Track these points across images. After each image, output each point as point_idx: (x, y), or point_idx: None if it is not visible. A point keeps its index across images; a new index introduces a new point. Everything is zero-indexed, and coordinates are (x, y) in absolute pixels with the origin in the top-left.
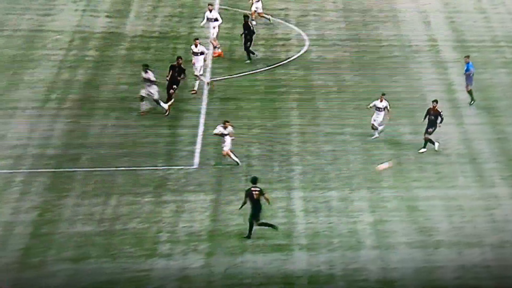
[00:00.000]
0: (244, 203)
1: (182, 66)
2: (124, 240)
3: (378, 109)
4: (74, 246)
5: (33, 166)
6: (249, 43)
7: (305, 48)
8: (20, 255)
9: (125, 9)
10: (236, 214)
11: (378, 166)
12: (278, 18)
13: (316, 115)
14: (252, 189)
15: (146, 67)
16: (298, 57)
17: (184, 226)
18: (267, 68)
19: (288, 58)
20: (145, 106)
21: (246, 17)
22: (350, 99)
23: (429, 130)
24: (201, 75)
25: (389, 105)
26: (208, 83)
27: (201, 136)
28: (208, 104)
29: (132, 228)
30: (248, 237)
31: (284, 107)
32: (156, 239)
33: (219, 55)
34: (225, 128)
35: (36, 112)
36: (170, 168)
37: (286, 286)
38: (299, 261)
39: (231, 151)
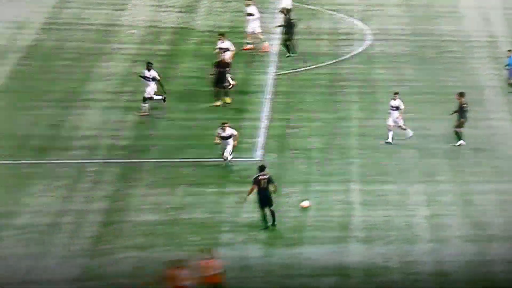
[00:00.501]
0: (251, 190)
1: (226, 62)
2: (188, 229)
3: (392, 108)
4: (141, 234)
5: (105, 156)
6: (288, 37)
7: (367, 43)
8: (90, 242)
9: (195, 4)
10: (294, 206)
11: (301, 203)
12: (342, 13)
13: (375, 109)
14: (260, 176)
15: (149, 65)
16: (360, 51)
17: (246, 217)
18: (330, 62)
19: (351, 52)
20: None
21: (286, 10)
22: (409, 93)
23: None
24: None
25: (403, 104)
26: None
27: (264, 129)
28: (271, 97)
29: (196, 218)
30: (266, 227)
31: (345, 101)
32: (218, 229)
33: (250, 49)
34: (223, 130)
35: (109, 104)
36: (234, 160)
37: (341, 277)
38: (355, 253)
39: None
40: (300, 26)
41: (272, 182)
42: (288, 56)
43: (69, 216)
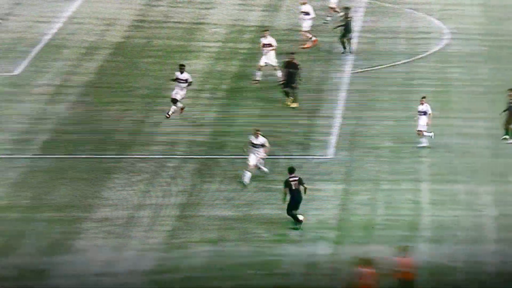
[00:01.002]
0: (285, 194)
1: (295, 62)
2: (258, 225)
3: (419, 113)
4: (214, 229)
5: (184, 152)
6: (347, 35)
7: (444, 42)
8: (166, 236)
9: (278, 3)
10: (363, 204)
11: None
12: (421, 12)
13: (449, 108)
14: (290, 179)
15: (182, 67)
16: (437, 50)
17: (314, 214)
18: (406, 61)
19: (427, 51)
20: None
21: (346, 9)
22: (483, 93)
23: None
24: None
25: (430, 109)
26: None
27: (337, 127)
28: (346, 95)
29: (266, 214)
30: (298, 227)
31: (418, 100)
32: (287, 225)
33: (309, 47)
34: (256, 137)
35: (190, 101)
36: (305, 157)
37: None
38: (422, 253)
39: (255, 165)
40: (378, 24)
41: (302, 184)
42: (343, 53)
43: (147, 210)
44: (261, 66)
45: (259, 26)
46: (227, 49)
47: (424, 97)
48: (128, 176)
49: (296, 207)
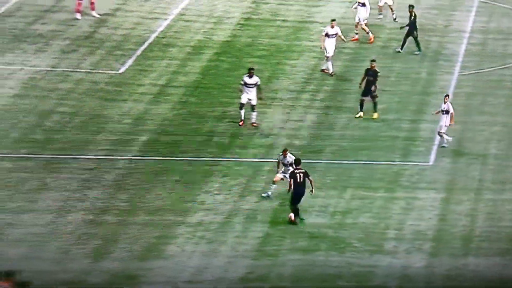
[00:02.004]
0: (290, 186)
1: (376, 69)
2: (352, 234)
3: (442, 112)
4: (306, 237)
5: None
6: (415, 33)
7: None
8: (258, 243)
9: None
10: (463, 215)
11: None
12: None
13: None
14: (296, 170)
15: (251, 71)
16: None
17: (411, 224)
18: None
19: None
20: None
21: (411, 6)
22: None
23: None
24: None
25: (452, 107)
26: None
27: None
28: (453, 98)
29: (362, 223)
30: (302, 220)
31: None
32: (383, 235)
33: (357, 40)
34: (284, 156)
35: (291, 102)
36: (405, 164)
37: None
38: None
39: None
40: (488, 25)
41: (308, 176)
42: (398, 52)
43: (241, 215)
44: (328, 57)
45: (368, 25)
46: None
47: (447, 95)
48: (225, 179)
49: (298, 200)
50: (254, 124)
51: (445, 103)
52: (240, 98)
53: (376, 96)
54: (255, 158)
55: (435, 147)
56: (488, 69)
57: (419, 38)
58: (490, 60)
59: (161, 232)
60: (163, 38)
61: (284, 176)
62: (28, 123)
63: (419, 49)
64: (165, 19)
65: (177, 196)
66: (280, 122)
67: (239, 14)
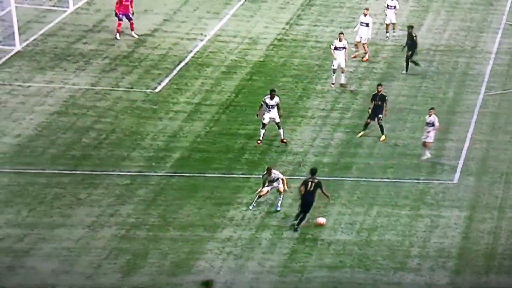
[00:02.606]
0: (300, 191)
1: (383, 93)
2: (378, 251)
3: (427, 125)
4: (332, 254)
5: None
6: (410, 53)
7: None
8: (285, 259)
9: (419, 22)
10: (486, 233)
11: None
12: None
13: None
14: (310, 179)
15: (273, 93)
16: None
17: (435, 242)
18: None
19: None
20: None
21: (410, 27)
22: None
23: None
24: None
25: (438, 121)
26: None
27: (466, 151)
28: (478, 118)
29: (387, 240)
30: (296, 228)
31: None
32: (407, 253)
33: (355, 57)
34: (269, 175)
35: (321, 120)
36: (431, 182)
37: None
38: None
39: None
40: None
41: (320, 187)
42: (403, 73)
43: (268, 231)
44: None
45: (397, 45)
46: (361, 68)
47: (432, 109)
48: (254, 196)
49: (307, 208)
50: (284, 141)
51: (429, 116)
52: (263, 119)
53: (381, 120)
54: (284, 176)
55: (460, 166)
56: None
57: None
58: None
59: (190, 248)
60: (199, 58)
61: (272, 187)
62: (66, 140)
63: (406, 70)
64: (201, 40)
65: (207, 212)
66: (309, 139)
67: (273, 35)
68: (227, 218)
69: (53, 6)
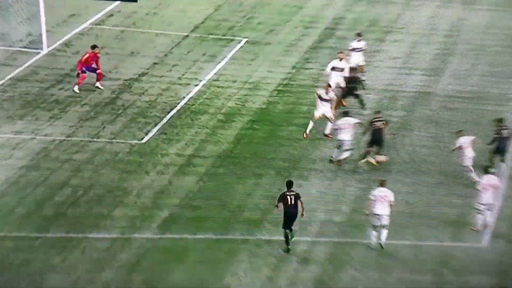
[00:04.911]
0: (276, 207)
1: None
2: None
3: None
4: None
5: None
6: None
7: None
8: None
9: (442, 66)
10: None
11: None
12: None
13: None
14: (287, 193)
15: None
16: None
17: None
18: None
19: None
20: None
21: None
22: None
23: None
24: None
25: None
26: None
27: (497, 210)
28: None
29: None
30: (287, 250)
31: None
32: None
33: None
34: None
35: (331, 174)
36: (456, 245)
37: None
38: None
39: None
40: None
41: (299, 198)
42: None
43: None
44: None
45: (417, 92)
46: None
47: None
48: (255, 259)
49: (290, 223)
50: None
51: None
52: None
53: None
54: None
55: (490, 227)
56: None
57: None
58: None
59: None
60: (193, 105)
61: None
62: (36, 198)
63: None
64: (196, 85)
65: (199, 279)
66: (318, 195)
67: (277, 80)
68: (223, 286)
69: (25, 47)
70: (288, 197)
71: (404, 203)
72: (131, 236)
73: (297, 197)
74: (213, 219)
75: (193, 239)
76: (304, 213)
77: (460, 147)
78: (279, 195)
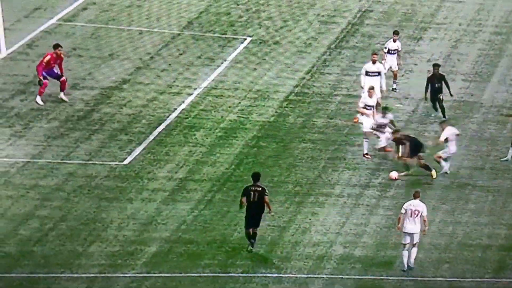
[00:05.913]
0: (241, 203)
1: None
2: None
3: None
4: None
5: (336, 271)
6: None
7: None
8: None
9: (488, 71)
10: None
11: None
12: None
13: None
14: (252, 187)
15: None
16: None
17: None
18: None
19: None
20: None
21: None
22: None
23: None
24: None
25: None
26: None
27: None
28: None
29: None
30: (250, 251)
31: None
32: None
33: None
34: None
35: (352, 200)
36: (498, 281)
37: None
38: None
39: None
40: None
41: (265, 196)
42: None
43: None
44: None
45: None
46: (413, 131)
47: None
48: None
49: (254, 223)
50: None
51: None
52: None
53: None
54: (300, 274)
55: None
56: None
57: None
58: None
59: None
60: (186, 118)
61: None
62: None
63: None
64: (190, 94)
65: None
66: (336, 225)
67: (288, 87)
68: None
69: None
70: (252, 192)
71: (440, 233)
72: (112, 276)
73: (261, 193)
74: (210, 255)
75: (187, 279)
76: (272, 211)
77: (446, 140)
78: (243, 189)
